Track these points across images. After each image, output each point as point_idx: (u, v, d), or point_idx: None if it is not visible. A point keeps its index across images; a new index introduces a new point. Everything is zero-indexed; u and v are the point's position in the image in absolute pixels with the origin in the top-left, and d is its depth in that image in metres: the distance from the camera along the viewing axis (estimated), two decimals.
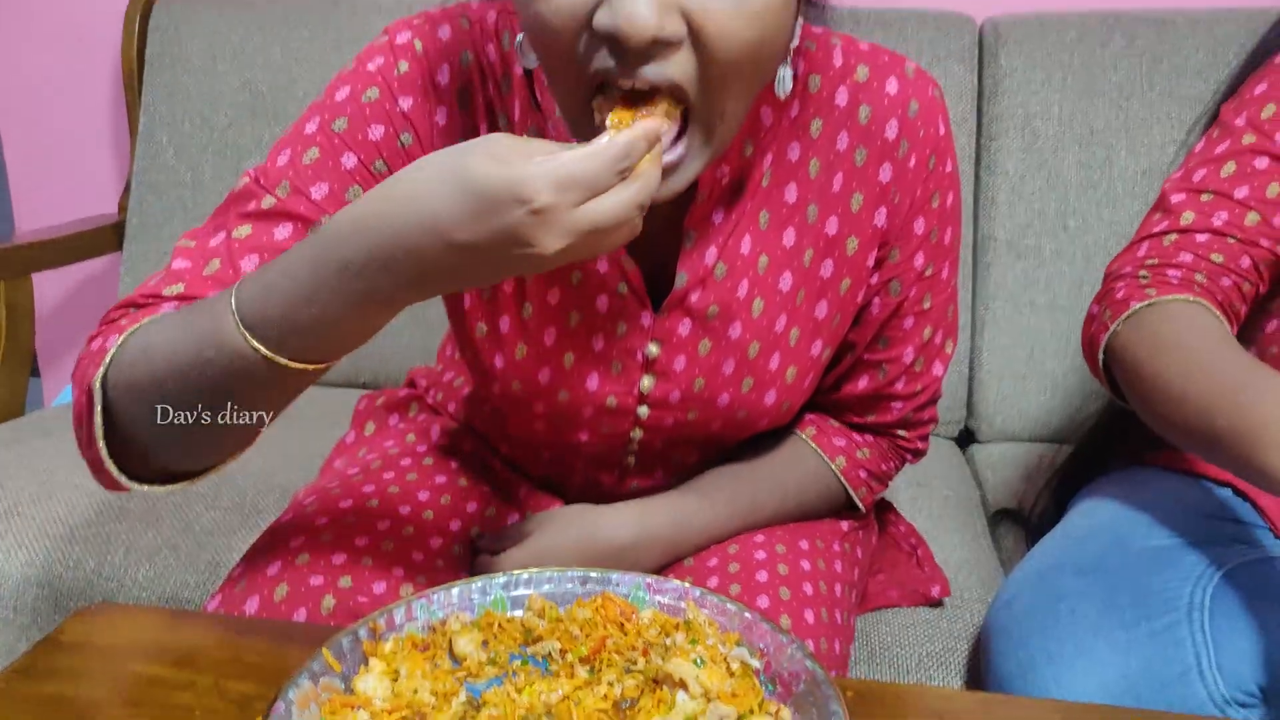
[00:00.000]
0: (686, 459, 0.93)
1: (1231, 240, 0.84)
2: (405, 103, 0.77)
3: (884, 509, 1.15)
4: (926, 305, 0.88)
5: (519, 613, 0.71)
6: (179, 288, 0.73)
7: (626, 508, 0.88)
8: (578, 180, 0.57)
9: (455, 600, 0.70)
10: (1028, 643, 0.76)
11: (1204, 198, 0.86)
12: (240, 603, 0.81)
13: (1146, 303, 0.83)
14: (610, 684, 0.62)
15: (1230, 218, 0.84)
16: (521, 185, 0.56)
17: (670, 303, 0.83)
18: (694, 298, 0.83)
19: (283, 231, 0.75)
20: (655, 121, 0.63)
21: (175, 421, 0.67)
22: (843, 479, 0.94)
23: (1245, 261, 0.85)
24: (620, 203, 0.59)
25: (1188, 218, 0.86)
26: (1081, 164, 1.49)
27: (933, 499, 1.30)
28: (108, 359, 0.69)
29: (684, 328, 0.84)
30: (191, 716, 0.63)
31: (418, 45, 0.78)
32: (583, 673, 0.64)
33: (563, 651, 0.66)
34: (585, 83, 0.66)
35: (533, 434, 0.92)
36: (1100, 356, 0.86)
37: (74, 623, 0.73)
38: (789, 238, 0.84)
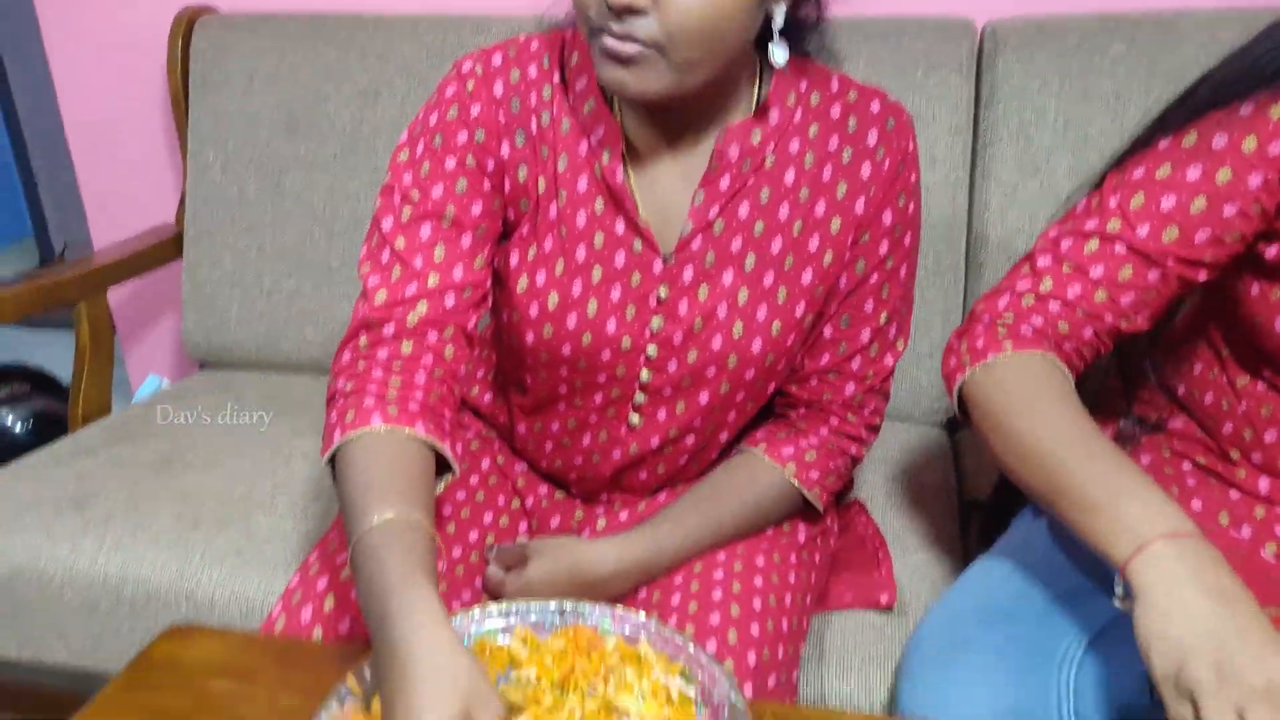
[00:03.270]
0: (681, 420, 1.08)
1: (1079, 313, 0.96)
2: (475, 110, 1.00)
3: (855, 511, 1.29)
4: (884, 295, 1.07)
5: (507, 639, 0.87)
6: (383, 294, 0.98)
7: (606, 543, 1.04)
8: None
9: (456, 628, 0.87)
10: (927, 685, 0.90)
11: (1065, 268, 0.97)
12: (298, 613, 1.00)
13: (1001, 354, 0.95)
14: (571, 711, 0.79)
15: (1082, 292, 0.96)
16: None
17: (677, 248, 1.01)
18: (695, 244, 1.01)
19: (425, 231, 0.99)
20: None
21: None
22: (796, 482, 1.10)
23: (1088, 332, 0.97)
24: None
25: (1046, 285, 0.97)
26: (1073, 170, 1.55)
27: (908, 490, 1.43)
28: (336, 446, 0.91)
29: (688, 274, 1.02)
30: None
31: (478, 69, 1.01)
32: (550, 696, 0.80)
33: (539, 677, 0.83)
34: (590, 29, 0.89)
35: (556, 385, 1.08)
36: (955, 393, 0.98)
37: (161, 644, 0.92)
38: (784, 212, 1.02)
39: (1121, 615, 0.84)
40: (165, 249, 1.91)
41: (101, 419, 1.73)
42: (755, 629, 0.99)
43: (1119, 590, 0.80)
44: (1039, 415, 0.90)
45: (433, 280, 0.98)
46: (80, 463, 1.49)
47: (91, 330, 1.73)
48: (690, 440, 1.11)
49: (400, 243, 0.99)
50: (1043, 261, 0.98)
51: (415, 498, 0.87)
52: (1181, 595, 0.74)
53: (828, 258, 1.03)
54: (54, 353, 1.82)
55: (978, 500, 1.44)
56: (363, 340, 0.98)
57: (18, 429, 2.26)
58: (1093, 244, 0.95)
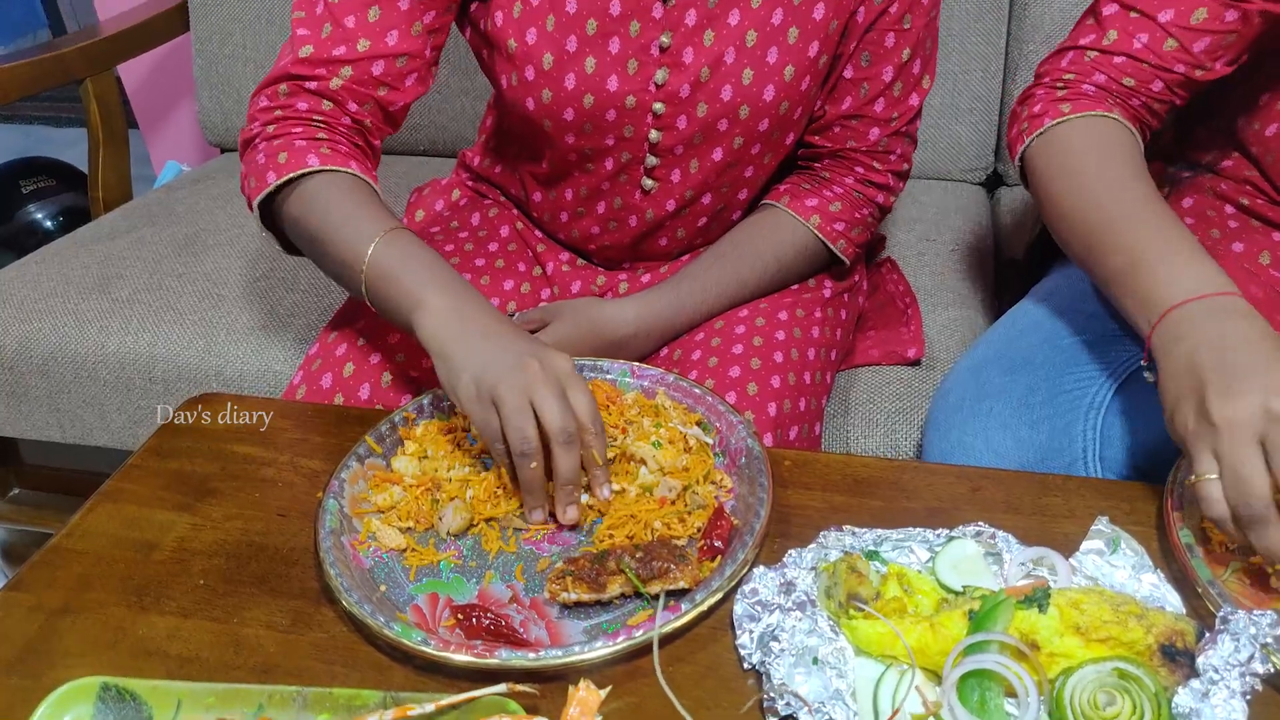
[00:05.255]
0: (696, 180, 1.03)
1: (1146, 65, 0.87)
2: None
3: (886, 269, 1.25)
4: (906, 25, 0.98)
5: None
6: (309, 49, 0.92)
7: (628, 301, 1.01)
8: (570, 382, 0.76)
9: None
10: (949, 435, 0.88)
11: (1132, 14, 0.87)
12: (318, 379, 1.00)
13: (1059, 120, 0.87)
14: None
15: (1150, 41, 0.87)
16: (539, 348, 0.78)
17: None
18: None
19: None
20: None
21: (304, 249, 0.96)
22: (819, 235, 1.05)
23: (1157, 85, 0.88)
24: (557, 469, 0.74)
25: (1111, 37, 0.88)
26: None
27: (941, 253, 1.38)
28: (272, 187, 0.91)
29: (690, 18, 0.94)
30: (275, 488, 0.82)
31: None
32: None
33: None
34: None
35: (565, 155, 1.03)
36: (1019, 162, 0.92)
37: (185, 411, 0.92)
38: None
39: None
40: (170, 20, 1.82)
41: (123, 205, 1.71)
42: (776, 381, 0.97)
43: (1146, 366, 0.76)
44: (1089, 177, 0.84)
45: (362, 45, 0.92)
46: (103, 247, 1.49)
47: (101, 111, 1.68)
48: (708, 200, 1.05)
49: None
50: (1108, 10, 0.89)
51: (385, 215, 0.88)
52: (1207, 337, 0.70)
53: None
54: (81, 151, 1.78)
55: (1015, 260, 1.39)
56: (283, 88, 0.93)
57: (48, 224, 2.25)
58: None
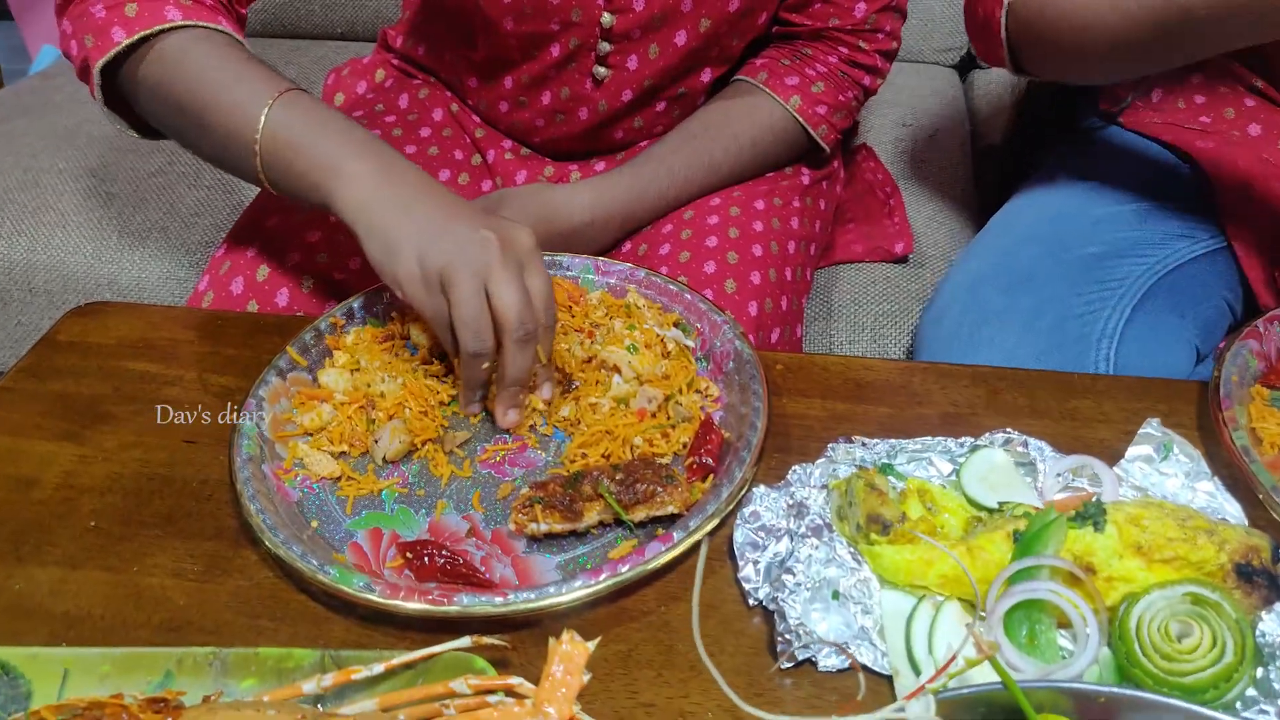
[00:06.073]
0: (656, 67, 0.90)
1: None
2: None
3: (862, 156, 1.14)
4: None
5: None
6: None
7: (583, 186, 0.89)
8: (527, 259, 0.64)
9: None
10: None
11: None
12: (226, 285, 0.86)
13: None
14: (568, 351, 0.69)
15: None
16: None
17: None
18: None
19: None
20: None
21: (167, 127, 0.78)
22: (799, 118, 0.93)
23: None
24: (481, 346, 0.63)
25: None
26: None
27: (918, 139, 1.27)
28: (124, 45, 0.73)
29: None
30: (180, 410, 0.69)
31: None
32: None
33: None
34: None
35: (504, 43, 0.90)
36: (1003, 33, 0.80)
37: (68, 322, 0.78)
38: None
39: (1171, 271, 0.72)
40: None
41: None
42: (756, 277, 0.86)
43: None
44: None
45: None
46: None
47: None
48: (669, 88, 0.93)
49: None
50: None
51: (275, 76, 0.73)
52: None
53: None
54: None
55: (993, 146, 1.29)
56: None
57: None
58: None
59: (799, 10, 0.92)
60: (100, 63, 0.74)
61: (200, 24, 0.74)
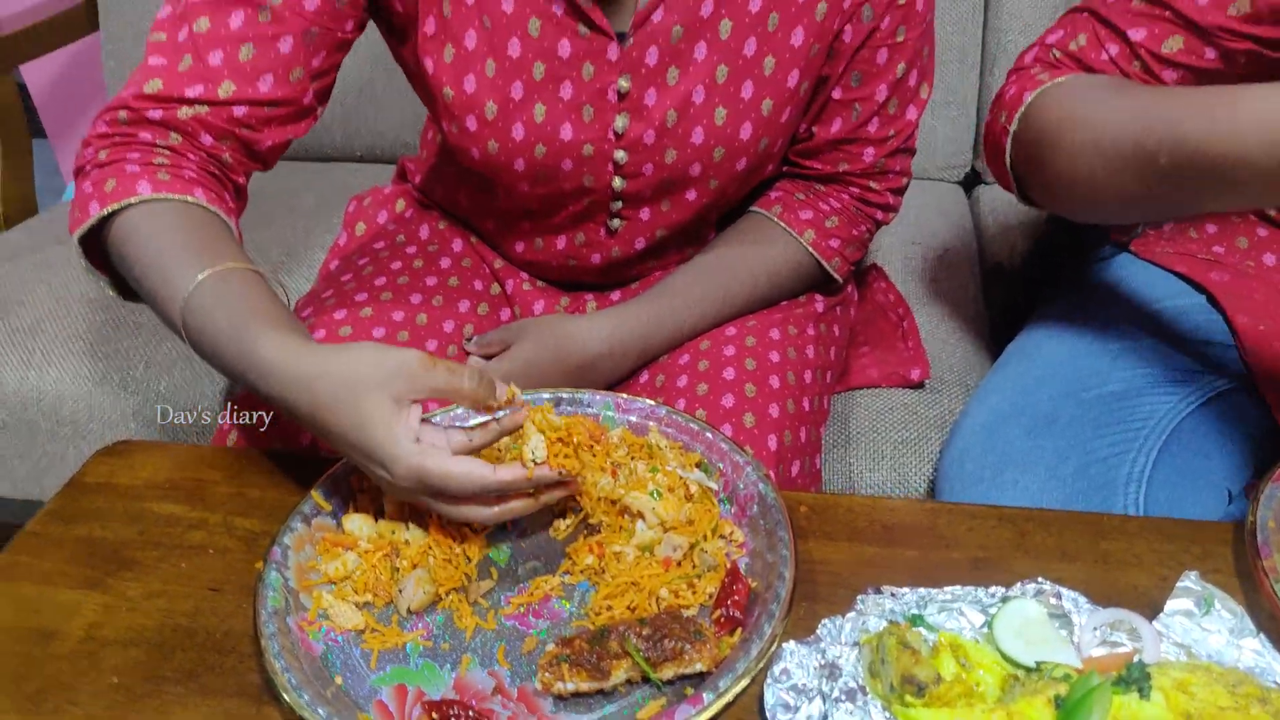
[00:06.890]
0: (669, 219, 0.93)
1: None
2: None
3: (873, 276, 1.15)
4: (900, 38, 0.86)
5: None
6: (158, 84, 0.78)
7: (600, 317, 0.90)
8: (446, 489, 0.63)
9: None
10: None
11: (1101, 30, 0.79)
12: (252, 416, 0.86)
13: (1040, 89, 0.78)
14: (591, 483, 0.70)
15: (1118, 55, 0.79)
16: (392, 462, 0.63)
17: (635, 24, 0.81)
18: (657, 17, 0.82)
19: (236, 19, 0.78)
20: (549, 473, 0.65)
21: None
22: (813, 252, 0.95)
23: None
24: (477, 516, 0.65)
25: (1080, 41, 0.80)
26: None
27: (927, 258, 1.29)
28: (95, 219, 0.76)
29: (651, 56, 0.83)
30: (205, 557, 0.69)
31: None
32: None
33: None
34: None
35: (521, 200, 0.92)
36: (1008, 155, 0.81)
37: (95, 463, 0.79)
38: None
39: (1194, 410, 0.72)
40: (73, 19, 1.66)
41: (27, 220, 1.55)
42: (775, 410, 0.86)
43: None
44: (1109, 104, 0.72)
45: (226, 89, 0.77)
46: (2, 268, 1.33)
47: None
48: (680, 235, 0.95)
49: (203, 24, 0.77)
50: (1083, 15, 0.81)
51: (226, 251, 0.74)
52: None
53: (820, 10, 0.82)
54: None
55: (1000, 265, 1.30)
56: (123, 115, 0.79)
57: None
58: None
59: (809, 156, 0.94)
60: (76, 234, 0.77)
61: (167, 196, 0.76)
